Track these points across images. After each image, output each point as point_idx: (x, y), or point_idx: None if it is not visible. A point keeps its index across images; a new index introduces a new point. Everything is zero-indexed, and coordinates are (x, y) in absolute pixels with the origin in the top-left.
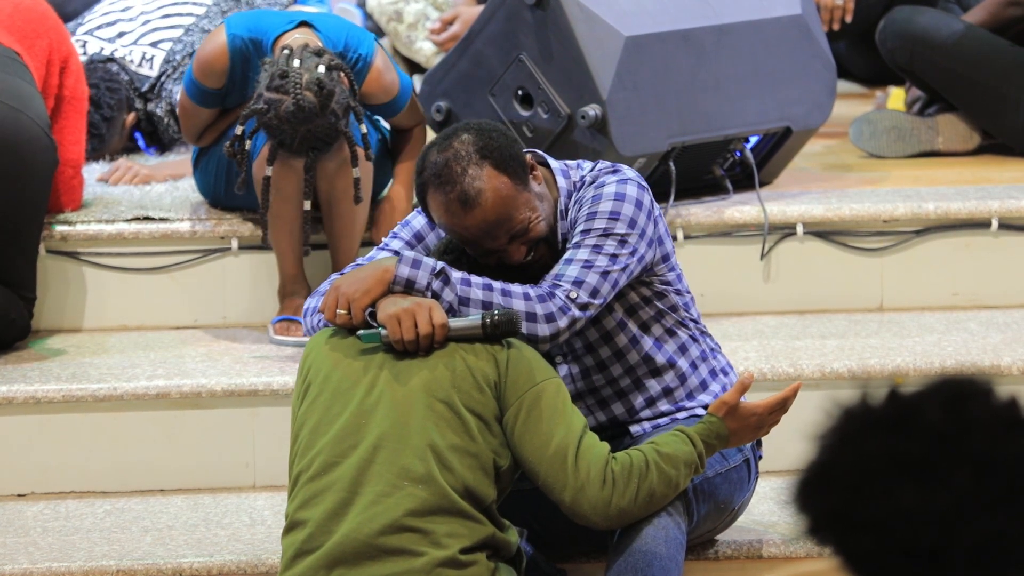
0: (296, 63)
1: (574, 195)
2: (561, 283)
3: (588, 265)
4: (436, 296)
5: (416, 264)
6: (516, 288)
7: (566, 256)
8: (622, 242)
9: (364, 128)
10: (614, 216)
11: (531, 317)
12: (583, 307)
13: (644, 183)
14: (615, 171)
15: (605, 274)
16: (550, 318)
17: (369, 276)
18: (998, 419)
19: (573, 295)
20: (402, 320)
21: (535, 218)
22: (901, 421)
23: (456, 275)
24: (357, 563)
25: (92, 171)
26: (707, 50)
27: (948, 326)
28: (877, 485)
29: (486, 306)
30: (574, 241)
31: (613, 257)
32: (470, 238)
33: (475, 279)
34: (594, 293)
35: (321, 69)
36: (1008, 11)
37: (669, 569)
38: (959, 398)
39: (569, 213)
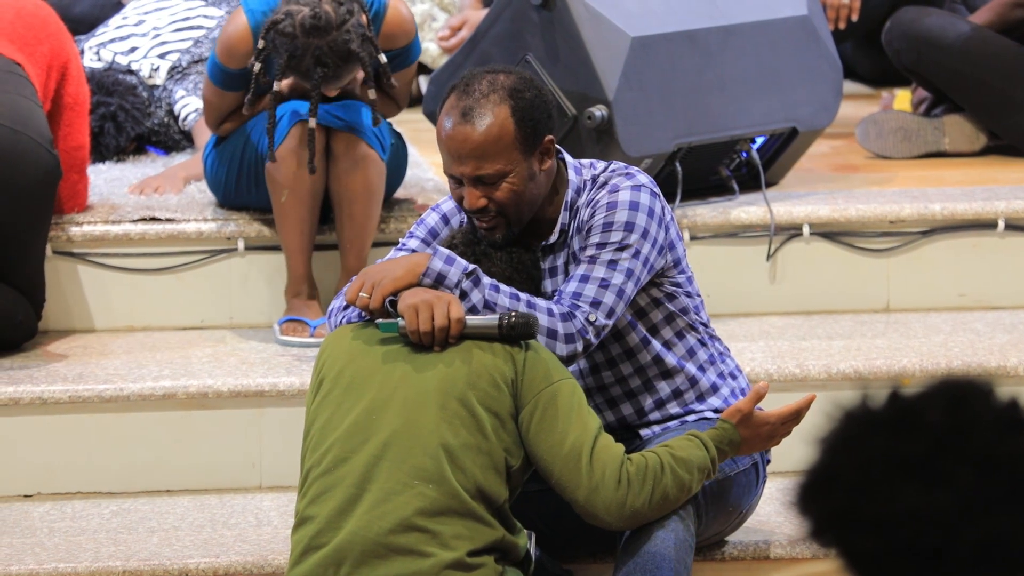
0: None
1: (583, 193)
2: (581, 304)
3: (605, 284)
4: (464, 295)
5: (450, 261)
6: (541, 303)
7: (583, 271)
8: (636, 254)
9: (383, 58)
10: (628, 228)
11: (552, 334)
12: (599, 331)
13: (656, 188)
14: (628, 175)
15: (620, 292)
16: (570, 339)
17: (400, 265)
18: (999, 419)
19: (592, 318)
20: (420, 311)
21: (511, 182)
22: (902, 422)
23: (487, 280)
24: (365, 561)
25: (99, 171)
26: (713, 51)
27: (955, 327)
28: (879, 486)
29: None
30: (589, 254)
31: (628, 272)
32: (445, 149)
33: (504, 287)
34: (610, 313)
35: None
36: (1015, 12)
37: (678, 571)
38: (960, 398)
39: (579, 213)
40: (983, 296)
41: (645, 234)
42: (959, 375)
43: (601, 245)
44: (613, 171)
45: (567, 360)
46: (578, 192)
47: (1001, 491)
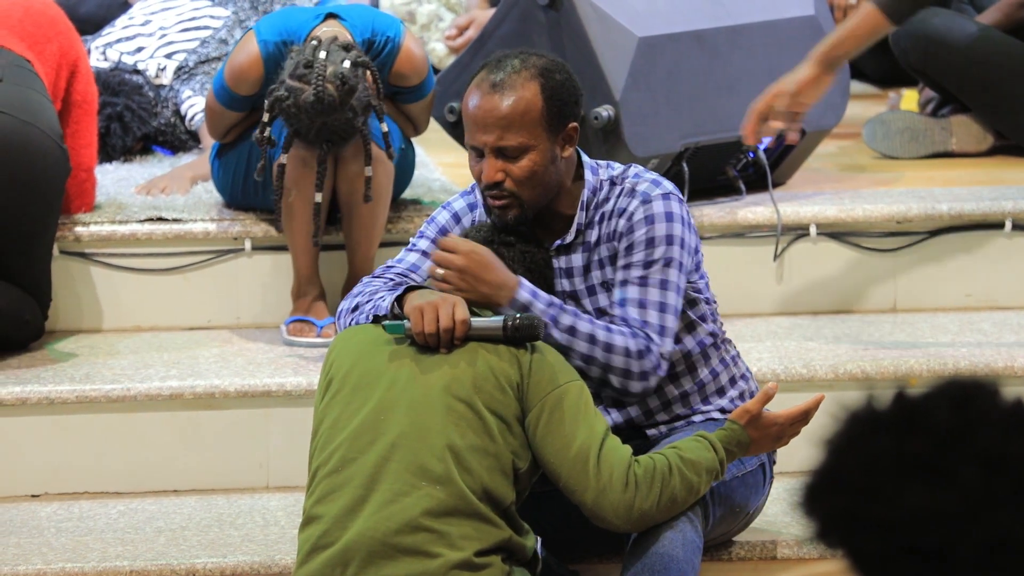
0: (322, 55)
1: (599, 193)
2: (652, 335)
3: (665, 307)
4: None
5: (523, 312)
6: (618, 342)
7: (639, 295)
8: (680, 267)
9: (385, 127)
10: (669, 240)
11: (627, 375)
12: (667, 360)
13: (680, 194)
14: (655, 182)
15: (676, 312)
16: (644, 376)
17: (494, 284)
18: (1005, 418)
19: (664, 351)
20: (425, 312)
21: (531, 159)
22: (908, 422)
23: (565, 320)
24: (372, 561)
25: (106, 171)
26: (720, 51)
27: (961, 327)
28: (885, 486)
29: (586, 359)
30: (638, 274)
31: (678, 288)
32: (470, 119)
33: (581, 328)
34: (674, 337)
35: (346, 64)
36: (1022, 12)
37: (685, 572)
38: (965, 398)
39: (607, 219)
40: (990, 296)
41: (683, 243)
42: (965, 375)
43: (648, 264)
44: (637, 176)
45: (639, 396)
46: (594, 192)
47: (1007, 491)
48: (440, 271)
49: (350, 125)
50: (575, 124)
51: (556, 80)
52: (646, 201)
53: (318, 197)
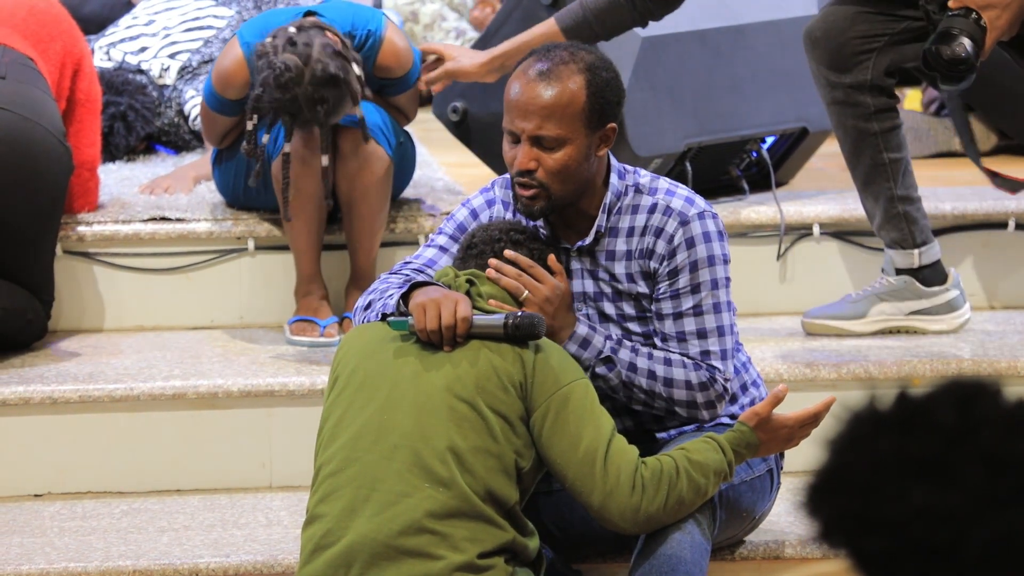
0: (268, 39)
1: (623, 198)
2: (714, 363)
3: (722, 331)
4: (597, 378)
5: (584, 344)
6: (678, 376)
7: (697, 325)
8: (727, 283)
9: (361, 112)
10: (713, 262)
11: (692, 406)
12: (729, 382)
13: (712, 208)
14: (690, 201)
15: (732, 329)
16: (710, 405)
17: (564, 320)
18: (1007, 418)
19: (727, 377)
20: (427, 309)
21: (567, 152)
22: (911, 422)
23: (624, 356)
24: (375, 563)
25: (109, 171)
26: (724, 50)
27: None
28: (889, 486)
29: (648, 394)
30: (691, 304)
31: (728, 304)
32: (512, 103)
33: (640, 364)
34: (733, 356)
35: (292, 30)
36: None
37: (693, 574)
38: (968, 398)
39: (638, 236)
40: (993, 296)
41: (724, 259)
42: (967, 375)
43: (696, 290)
44: (670, 193)
45: (709, 419)
46: (618, 197)
47: (1010, 491)
48: (524, 293)
49: (328, 74)
50: (614, 125)
51: (602, 78)
52: (684, 222)
53: (324, 160)
